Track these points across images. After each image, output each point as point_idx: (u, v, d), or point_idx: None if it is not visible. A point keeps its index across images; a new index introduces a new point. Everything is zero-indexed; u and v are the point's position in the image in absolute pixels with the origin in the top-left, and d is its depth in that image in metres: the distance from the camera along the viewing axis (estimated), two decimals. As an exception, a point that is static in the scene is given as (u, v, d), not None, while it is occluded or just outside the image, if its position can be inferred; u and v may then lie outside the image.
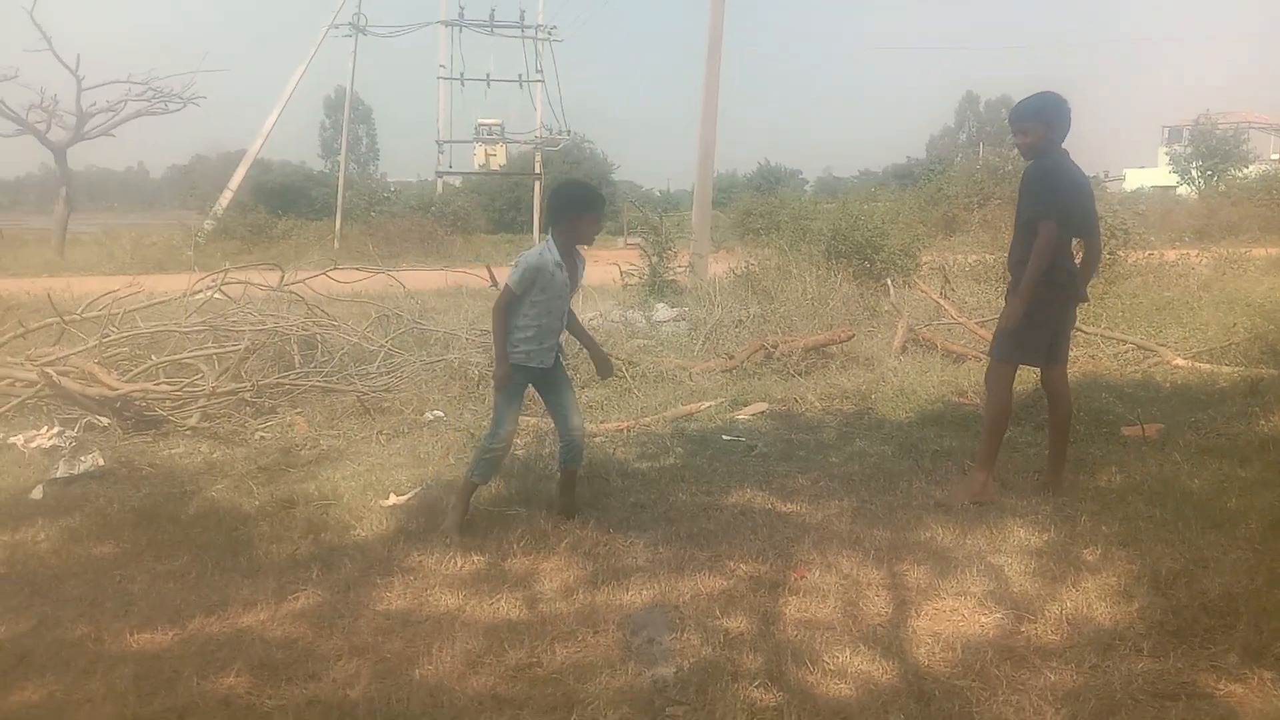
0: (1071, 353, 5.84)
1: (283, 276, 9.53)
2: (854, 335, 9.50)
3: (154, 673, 3.37)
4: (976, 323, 9.94)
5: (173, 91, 29.22)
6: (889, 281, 12.37)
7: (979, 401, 7.37)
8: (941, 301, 10.73)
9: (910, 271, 14.07)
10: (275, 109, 33.45)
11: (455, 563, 4.34)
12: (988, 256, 13.74)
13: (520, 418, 6.94)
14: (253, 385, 7.43)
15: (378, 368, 8.26)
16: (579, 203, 4.74)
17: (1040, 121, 5.00)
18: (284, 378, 7.77)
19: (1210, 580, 3.86)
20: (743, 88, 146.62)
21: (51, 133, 27.98)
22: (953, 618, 3.70)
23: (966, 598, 3.86)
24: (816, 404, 7.65)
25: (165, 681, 3.30)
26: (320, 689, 3.25)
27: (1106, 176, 56.02)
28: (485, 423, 6.81)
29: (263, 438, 6.86)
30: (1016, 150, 5.41)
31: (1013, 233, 5.19)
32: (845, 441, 6.52)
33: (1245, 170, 45.33)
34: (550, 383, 4.93)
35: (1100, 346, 9.26)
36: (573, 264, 4.77)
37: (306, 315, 8.86)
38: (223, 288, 9.21)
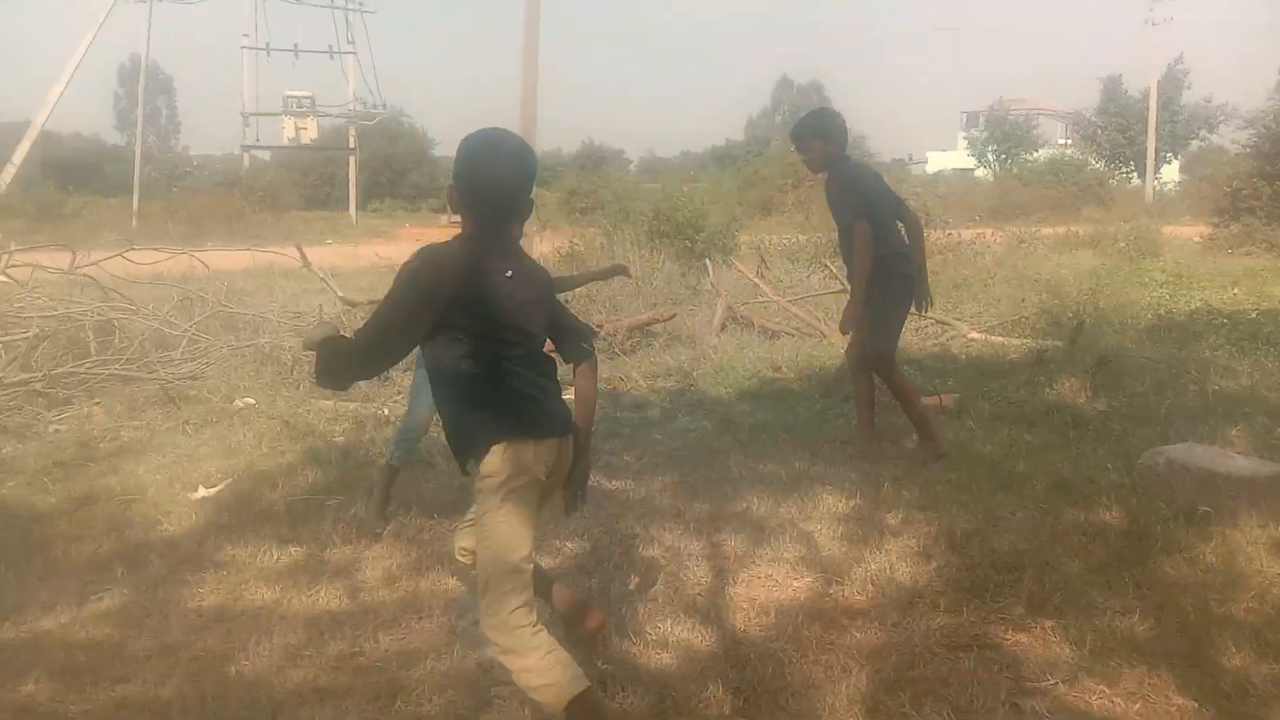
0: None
1: (74, 258, 8.93)
2: (676, 314, 9.71)
3: (-60, 686, 3.14)
4: (790, 300, 10.33)
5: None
6: (708, 261, 12.66)
7: (793, 376, 7.71)
8: (757, 281, 11.09)
9: (729, 251, 14.48)
10: (63, 78, 31.09)
11: (271, 555, 4.21)
12: (801, 237, 14.29)
13: (339, 403, 6.81)
14: (44, 375, 6.95)
15: (182, 354, 7.87)
16: None
17: (818, 138, 5.33)
18: (79, 366, 7.30)
19: (1000, 539, 4.18)
20: (566, 63, 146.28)
21: None
22: (767, 583, 3.87)
23: (780, 564, 4.04)
24: (641, 382, 7.79)
25: (-47, 695, 3.09)
26: (130, 691, 3.11)
27: (911, 159, 59.02)
28: (300, 409, 6.64)
29: (58, 430, 6.43)
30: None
31: (837, 235, 5.54)
32: (668, 418, 6.67)
33: (1036, 154, 48.63)
34: None
35: (903, 321, 9.80)
36: None
37: (102, 299, 8.34)
38: (7, 271, 8.54)
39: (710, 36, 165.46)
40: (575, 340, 2.87)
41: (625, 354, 8.85)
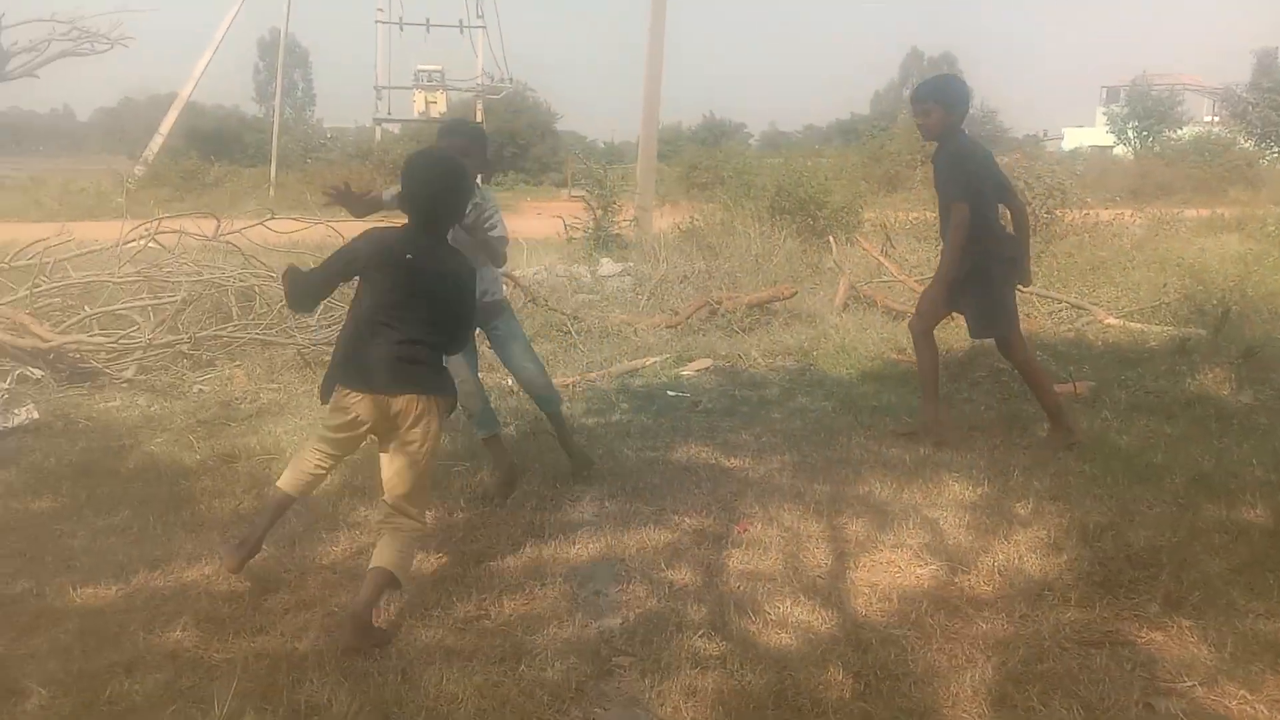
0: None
1: (218, 226, 9.32)
2: (797, 292, 9.61)
3: (98, 628, 3.35)
4: (916, 280, 10.09)
5: (99, 32, 28.12)
6: (831, 239, 12.47)
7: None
8: (882, 259, 10.87)
9: (853, 229, 14.21)
10: (207, 51, 32.53)
11: (402, 517, 4.34)
12: (928, 214, 13.85)
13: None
14: (190, 337, 7.30)
15: (318, 320, 8.14)
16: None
17: (939, 105, 5.17)
18: (222, 330, 7.64)
19: (1135, 533, 4.02)
20: (689, 37, 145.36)
21: (-30, 72, 26.83)
22: (890, 569, 3.82)
23: (903, 550, 3.97)
24: (760, 360, 7.74)
25: (110, 637, 3.29)
26: (268, 642, 3.26)
27: (1045, 135, 56.81)
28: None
29: (201, 391, 6.76)
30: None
31: (938, 209, 5.44)
32: (787, 397, 6.62)
33: (1179, 132, 46.19)
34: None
35: (1035, 305, 9.47)
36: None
37: (243, 266, 8.69)
38: (156, 237, 8.99)
39: (838, 6, 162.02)
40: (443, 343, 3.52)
41: (744, 331, 8.80)
